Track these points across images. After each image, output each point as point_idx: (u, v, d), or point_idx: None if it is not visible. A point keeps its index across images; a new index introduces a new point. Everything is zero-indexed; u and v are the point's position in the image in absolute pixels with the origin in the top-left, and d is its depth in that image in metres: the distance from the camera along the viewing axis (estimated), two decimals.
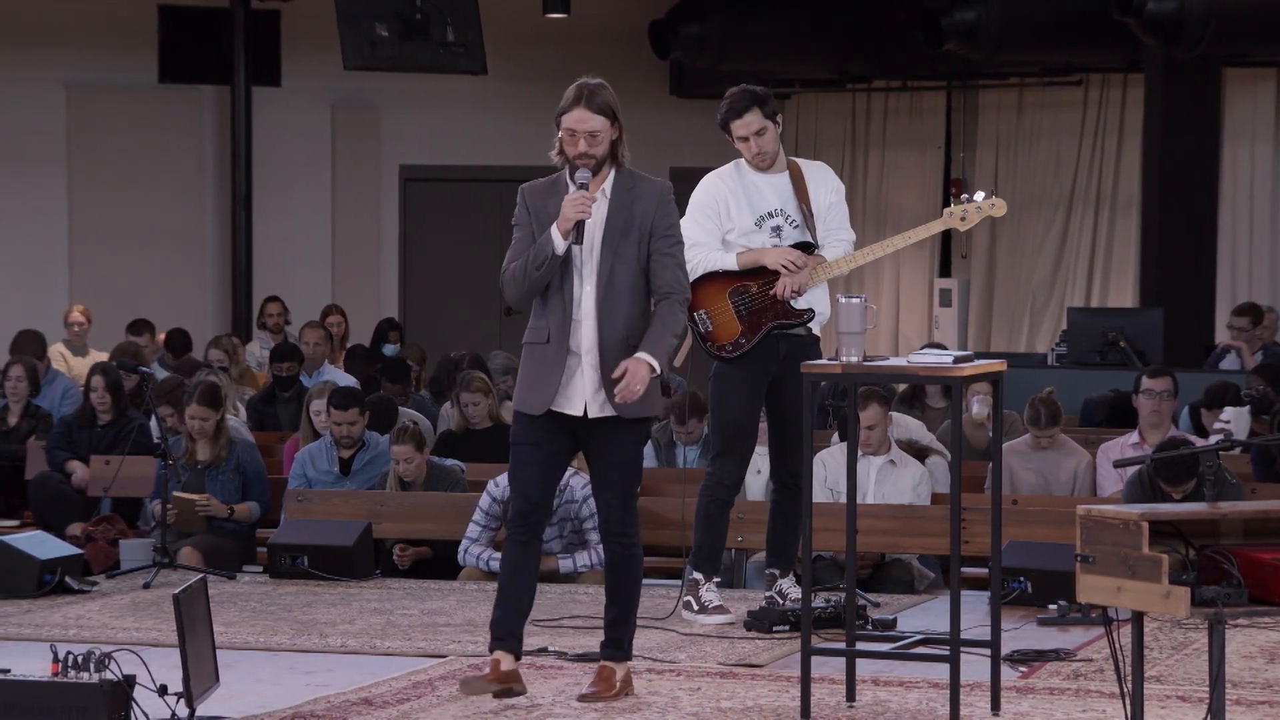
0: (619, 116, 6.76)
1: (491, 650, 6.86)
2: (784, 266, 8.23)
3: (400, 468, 10.38)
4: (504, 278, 6.83)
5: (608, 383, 6.72)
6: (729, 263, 8.30)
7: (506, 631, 6.84)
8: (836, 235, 8.41)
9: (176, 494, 10.46)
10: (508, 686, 6.79)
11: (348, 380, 13.13)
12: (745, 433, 8.45)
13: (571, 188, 6.76)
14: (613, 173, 6.81)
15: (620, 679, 6.94)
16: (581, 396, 6.77)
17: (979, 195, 8.38)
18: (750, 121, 8.28)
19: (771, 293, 8.27)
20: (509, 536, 6.89)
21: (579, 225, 6.68)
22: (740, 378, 8.34)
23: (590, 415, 6.76)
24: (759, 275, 8.31)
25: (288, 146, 19.22)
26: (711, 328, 8.33)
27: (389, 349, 16.33)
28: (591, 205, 6.71)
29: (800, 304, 8.31)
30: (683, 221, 8.34)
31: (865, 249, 8.55)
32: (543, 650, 7.79)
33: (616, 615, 6.95)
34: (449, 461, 10.71)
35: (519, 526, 6.84)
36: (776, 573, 8.51)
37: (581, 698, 6.89)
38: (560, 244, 6.69)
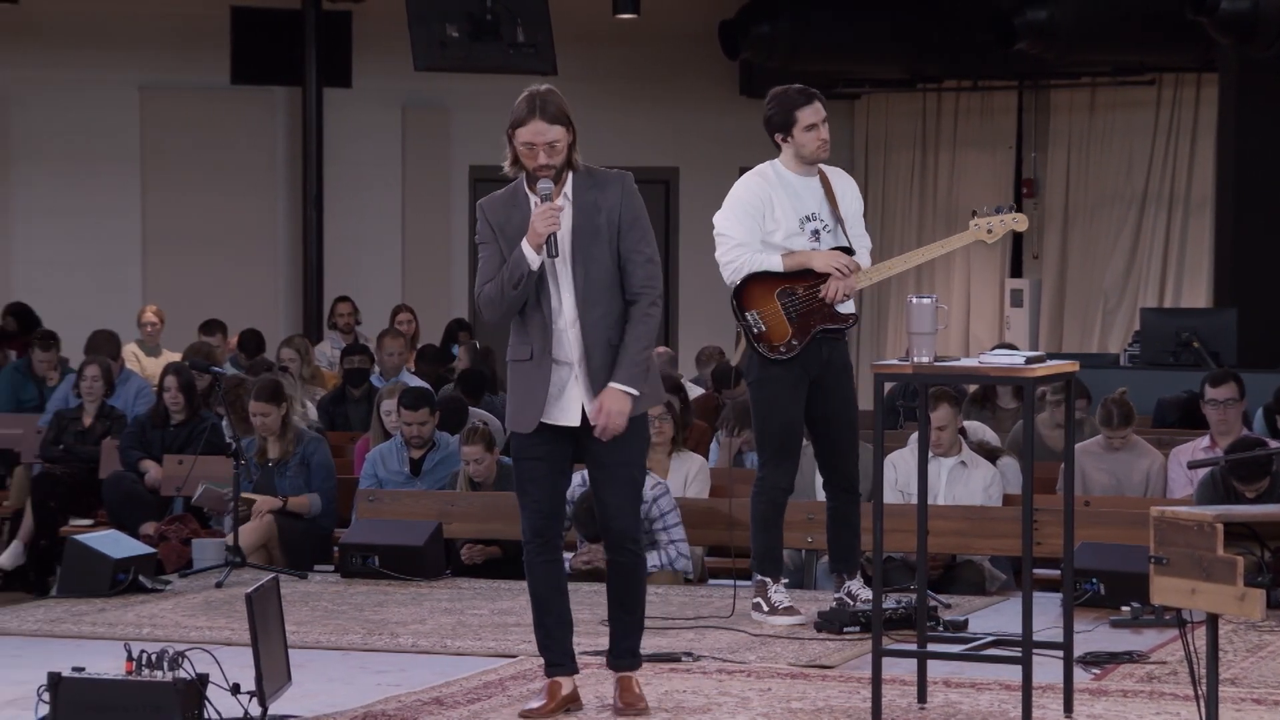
0: (572, 120, 6.63)
1: (549, 674, 6.80)
2: (836, 270, 8.24)
3: (470, 468, 10.41)
4: (480, 300, 6.70)
5: (598, 389, 6.62)
6: (774, 264, 8.29)
7: (562, 654, 6.79)
8: (860, 241, 8.45)
9: (245, 495, 10.53)
10: (569, 709, 6.79)
11: (419, 383, 13.17)
12: (796, 435, 8.44)
13: (532, 199, 6.65)
14: (570, 175, 6.67)
15: (640, 689, 6.86)
16: (577, 405, 6.68)
17: (1000, 208, 8.49)
18: (819, 108, 8.31)
19: (820, 296, 8.27)
20: (532, 557, 6.75)
21: (551, 238, 6.57)
22: (787, 381, 8.32)
23: (591, 423, 6.66)
24: (804, 278, 8.31)
25: (358, 147, 19.30)
26: (765, 328, 8.31)
27: (459, 350, 16.36)
28: (559, 216, 6.61)
29: (844, 309, 8.33)
30: (722, 218, 8.35)
31: (898, 258, 8.62)
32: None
33: (631, 622, 6.83)
34: None
35: (540, 545, 6.73)
36: (845, 575, 8.50)
37: (618, 712, 6.79)
38: (534, 259, 6.57)
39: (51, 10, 18.27)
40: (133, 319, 16.41)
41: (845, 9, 18.91)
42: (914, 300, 6.85)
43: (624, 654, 6.86)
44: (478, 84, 18.67)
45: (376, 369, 14.21)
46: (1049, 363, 6.81)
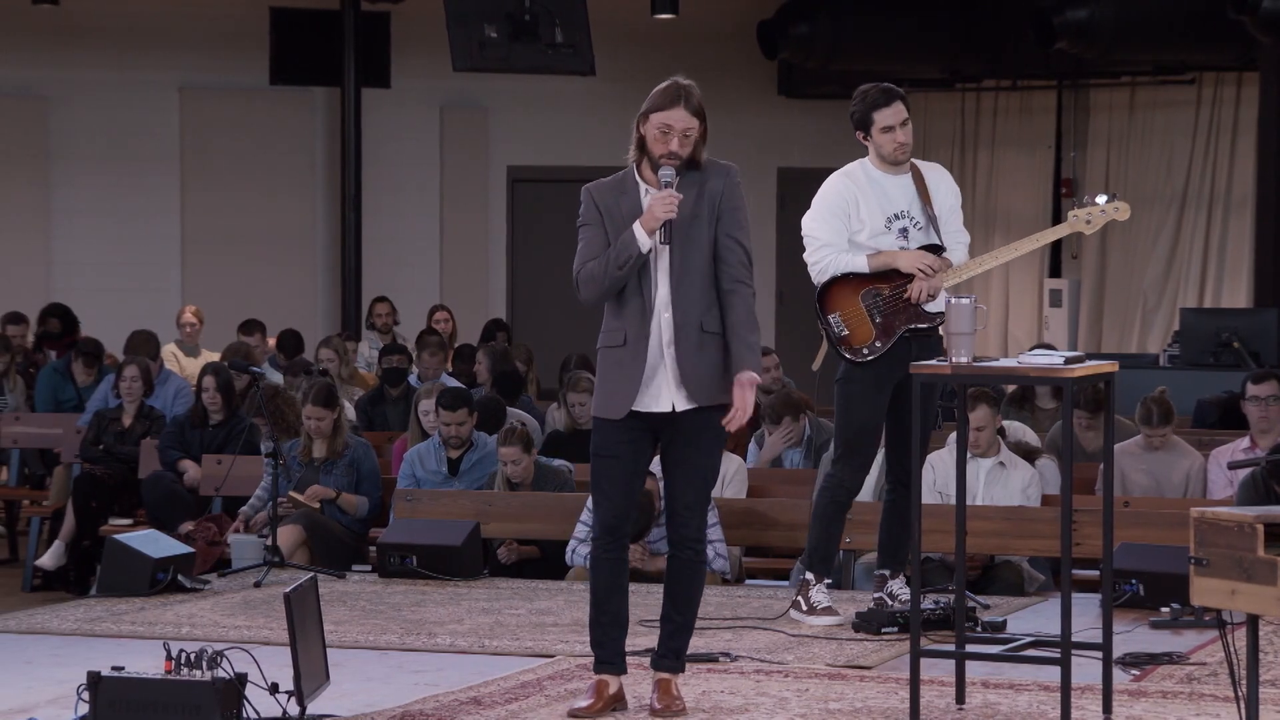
0: (705, 118, 6.73)
1: (597, 671, 6.82)
2: (921, 271, 8.19)
3: (508, 469, 10.41)
4: (579, 278, 6.70)
5: (687, 374, 6.65)
6: (859, 265, 8.23)
7: (613, 653, 6.79)
8: (955, 238, 8.40)
9: (292, 494, 10.57)
10: (614, 709, 6.79)
11: (456, 383, 13.19)
12: (872, 438, 8.38)
13: (642, 186, 6.71)
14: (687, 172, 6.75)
15: (679, 692, 6.87)
16: (667, 391, 6.68)
17: (1101, 198, 8.37)
18: (899, 110, 8.28)
19: (905, 296, 8.22)
20: (599, 554, 6.77)
21: (667, 224, 6.62)
22: (870, 382, 8.26)
23: (677, 409, 6.68)
24: (890, 278, 8.25)
25: (397, 147, 19.34)
26: (846, 331, 8.25)
27: (480, 354, 16.35)
28: (677, 204, 6.65)
29: (932, 307, 8.26)
30: (808, 220, 8.31)
31: (991, 254, 8.54)
32: (652, 651, 7.76)
33: (681, 624, 6.84)
34: (556, 462, 10.74)
35: (609, 543, 6.75)
36: (886, 574, 8.47)
37: (654, 713, 6.79)
38: (646, 243, 6.62)
39: (91, 11, 18.34)
40: (172, 319, 16.46)
41: (884, 9, 18.89)
42: (952, 300, 6.83)
43: (668, 654, 6.85)
44: (516, 84, 18.70)
45: (415, 370, 14.23)
46: (1088, 363, 6.79)
